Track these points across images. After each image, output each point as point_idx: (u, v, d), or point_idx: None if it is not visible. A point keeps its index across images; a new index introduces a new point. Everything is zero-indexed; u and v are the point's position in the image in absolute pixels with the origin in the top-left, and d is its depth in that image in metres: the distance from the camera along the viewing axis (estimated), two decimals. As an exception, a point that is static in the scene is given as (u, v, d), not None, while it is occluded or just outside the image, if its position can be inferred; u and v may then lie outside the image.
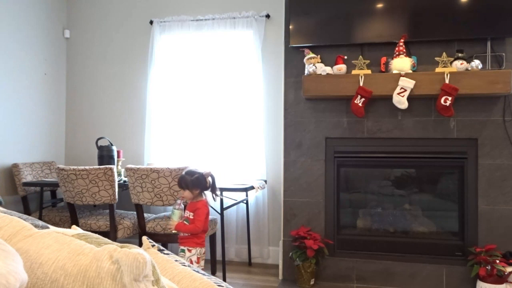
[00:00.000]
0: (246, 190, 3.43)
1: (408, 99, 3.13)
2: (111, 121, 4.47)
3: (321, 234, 3.40)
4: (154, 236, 3.30)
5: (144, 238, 1.23)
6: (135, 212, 3.45)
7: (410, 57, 3.21)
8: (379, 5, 3.28)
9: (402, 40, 3.16)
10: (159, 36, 4.27)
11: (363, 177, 3.55)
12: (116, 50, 4.48)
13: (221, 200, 3.37)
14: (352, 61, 3.31)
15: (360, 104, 3.19)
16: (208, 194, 2.92)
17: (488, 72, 3.03)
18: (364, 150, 3.41)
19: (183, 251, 2.83)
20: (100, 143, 3.99)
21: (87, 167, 3.18)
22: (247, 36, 4.09)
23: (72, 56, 4.61)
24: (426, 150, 3.32)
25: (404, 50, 3.16)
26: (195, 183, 2.80)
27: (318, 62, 3.33)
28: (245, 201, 3.97)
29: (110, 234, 3.28)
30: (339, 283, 3.36)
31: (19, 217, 0.97)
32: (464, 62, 3.08)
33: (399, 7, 3.24)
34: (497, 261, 2.96)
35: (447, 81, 3.06)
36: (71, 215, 3.36)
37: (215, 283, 1.07)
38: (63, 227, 3.53)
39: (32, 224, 0.95)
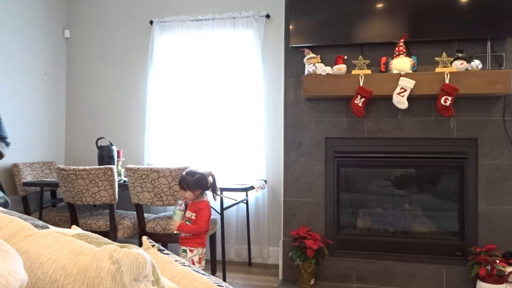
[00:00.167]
0: (246, 190, 3.43)
1: (408, 99, 3.13)
2: (111, 121, 4.47)
3: (321, 234, 3.40)
4: (154, 236, 3.30)
5: (144, 238, 1.23)
6: (135, 212, 3.45)
7: (410, 57, 3.21)
8: (379, 5, 3.28)
9: (402, 40, 3.16)
10: (159, 36, 4.27)
11: (363, 177, 3.55)
12: (116, 50, 4.48)
13: (221, 200, 3.37)
14: (352, 61, 3.31)
15: (360, 104, 3.19)
16: (208, 193, 2.92)
17: (488, 72, 3.03)
18: (364, 150, 3.41)
19: (184, 251, 2.83)
20: (100, 143, 4.00)
21: (87, 167, 3.18)
22: (247, 36, 4.09)
23: (72, 56, 4.61)
24: (426, 150, 3.32)
25: (404, 50, 3.16)
26: (196, 183, 2.80)
27: (318, 62, 3.33)
28: (245, 201, 3.97)
29: (110, 234, 3.28)
30: (339, 283, 3.36)
31: (19, 217, 0.97)
32: (464, 62, 3.08)
33: (399, 7, 3.24)
34: (497, 261, 2.96)
35: (447, 81, 3.06)
36: (71, 215, 3.36)
37: (215, 283, 1.07)
38: (63, 227, 3.53)
39: (32, 224, 0.95)
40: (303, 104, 3.50)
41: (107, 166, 3.20)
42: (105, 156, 3.62)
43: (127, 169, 3.20)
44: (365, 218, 3.55)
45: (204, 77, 4.18)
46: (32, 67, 4.14)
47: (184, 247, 2.84)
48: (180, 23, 4.22)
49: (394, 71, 3.16)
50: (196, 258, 2.81)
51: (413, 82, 3.09)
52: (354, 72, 3.24)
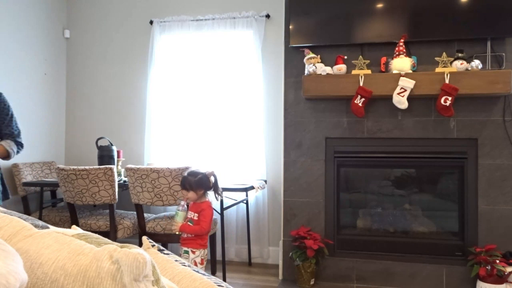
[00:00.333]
0: (246, 190, 3.43)
1: (408, 99, 3.13)
2: (111, 121, 4.47)
3: (321, 234, 3.40)
4: (154, 236, 3.30)
5: (144, 238, 1.23)
6: (135, 212, 3.45)
7: (410, 57, 3.21)
8: (379, 5, 3.28)
9: (402, 40, 3.16)
10: (159, 36, 4.27)
11: (363, 177, 3.55)
12: (116, 50, 4.48)
13: (221, 200, 3.37)
14: (352, 61, 3.31)
15: (360, 104, 3.19)
16: (210, 193, 2.90)
17: (488, 72, 3.03)
18: (364, 150, 3.41)
19: (186, 252, 2.80)
20: (100, 143, 3.99)
21: (87, 167, 3.18)
22: (247, 36, 4.09)
23: (72, 56, 4.61)
24: (426, 150, 3.32)
25: (404, 50, 3.16)
26: (199, 183, 2.77)
27: (318, 62, 3.33)
28: (245, 201, 3.97)
29: (110, 234, 3.28)
30: (339, 283, 3.36)
31: (19, 217, 0.97)
32: (464, 62, 3.08)
33: (399, 7, 3.24)
34: (497, 261, 2.96)
35: (447, 81, 3.06)
36: (71, 215, 3.36)
37: (215, 283, 1.07)
38: (63, 227, 3.53)
39: (32, 224, 0.95)
40: (303, 104, 3.50)
41: (107, 166, 3.20)
42: (105, 156, 3.62)
43: (127, 169, 3.20)
44: (365, 218, 3.55)
45: (204, 77, 4.18)
46: (32, 67, 4.14)
47: (186, 248, 2.81)
48: (180, 23, 4.22)
49: (394, 71, 3.16)
50: (198, 260, 2.78)
51: (413, 82, 3.09)
52: (354, 72, 3.24)
